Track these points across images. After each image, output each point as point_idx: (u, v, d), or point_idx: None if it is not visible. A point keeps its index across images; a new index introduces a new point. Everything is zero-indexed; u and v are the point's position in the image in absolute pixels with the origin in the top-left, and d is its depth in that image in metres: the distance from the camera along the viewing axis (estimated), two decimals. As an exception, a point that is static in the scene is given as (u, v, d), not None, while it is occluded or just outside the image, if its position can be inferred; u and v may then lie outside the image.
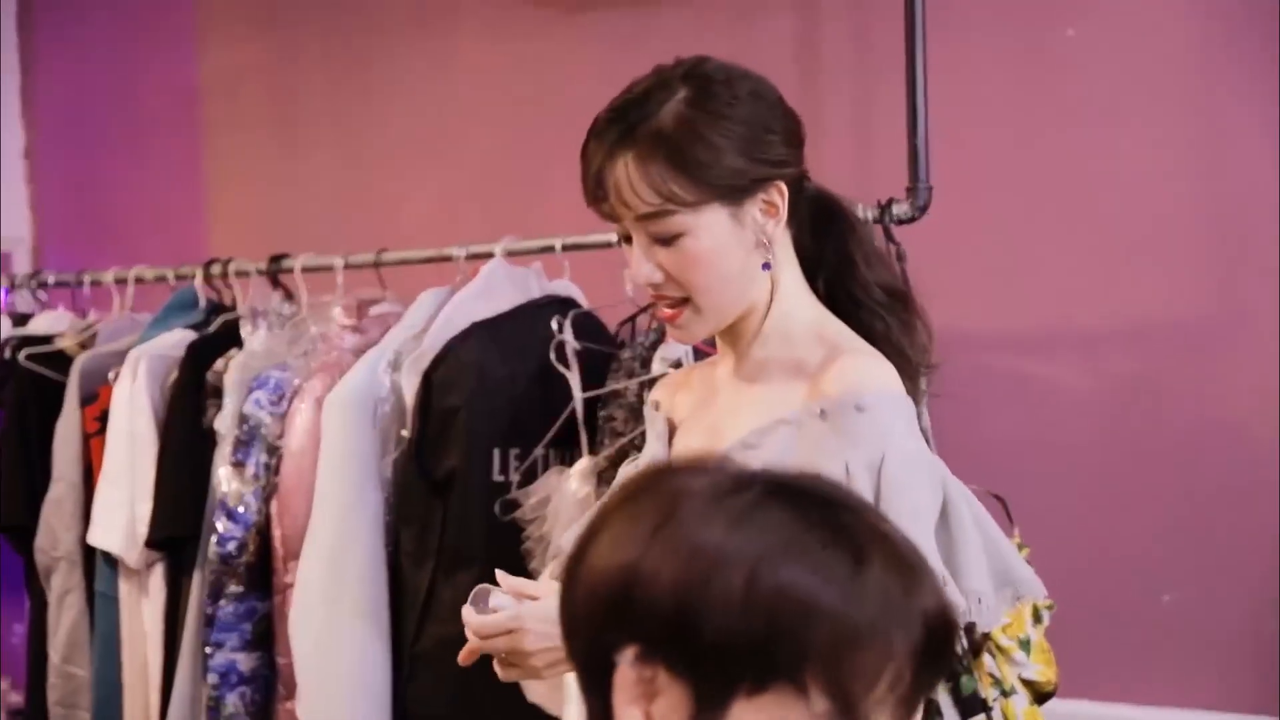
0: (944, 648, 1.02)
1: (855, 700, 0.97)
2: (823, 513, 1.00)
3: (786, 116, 1.55)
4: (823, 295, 1.60)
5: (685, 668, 0.97)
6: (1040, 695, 2.29)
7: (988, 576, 1.47)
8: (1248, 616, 2.39)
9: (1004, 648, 2.20)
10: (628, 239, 1.56)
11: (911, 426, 1.50)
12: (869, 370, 1.50)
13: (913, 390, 1.56)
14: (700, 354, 2.16)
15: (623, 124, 1.50)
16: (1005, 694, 2.21)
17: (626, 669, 0.99)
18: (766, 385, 1.56)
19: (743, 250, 1.52)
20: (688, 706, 0.97)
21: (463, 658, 1.59)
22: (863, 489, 1.43)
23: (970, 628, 1.57)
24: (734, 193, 1.50)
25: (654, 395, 1.74)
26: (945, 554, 1.45)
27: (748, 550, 0.97)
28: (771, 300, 1.56)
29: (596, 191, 1.52)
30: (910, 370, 1.56)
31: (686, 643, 0.97)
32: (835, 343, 1.54)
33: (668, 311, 1.55)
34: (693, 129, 1.48)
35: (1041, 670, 2.28)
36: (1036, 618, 2.22)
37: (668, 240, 1.51)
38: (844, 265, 1.60)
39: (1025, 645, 2.24)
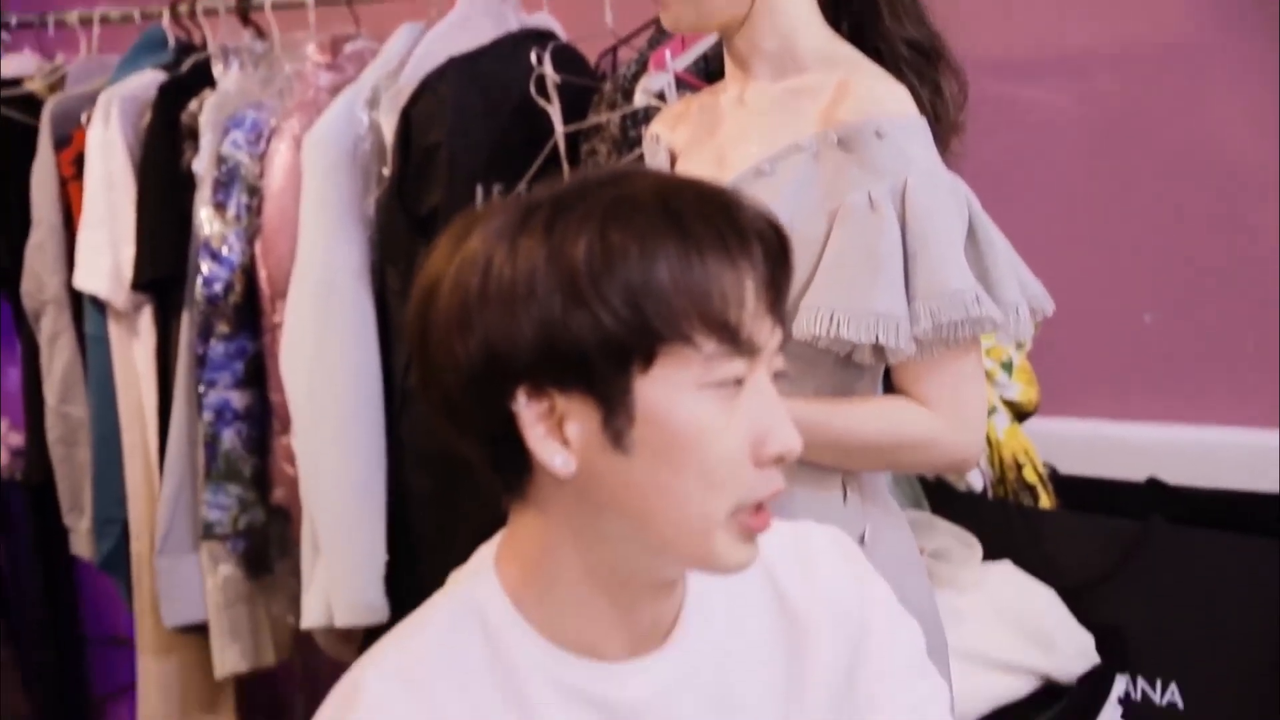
0: (782, 248, 1.05)
1: (736, 325, 1.01)
2: (612, 188, 1.03)
3: None
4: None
5: (574, 381, 1.00)
6: (1021, 414, 2.35)
7: (1018, 289, 1.49)
8: (1229, 337, 2.43)
9: (987, 370, 2.24)
10: None
11: (930, 148, 1.49)
12: (885, 94, 1.49)
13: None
14: (684, 84, 2.12)
15: None
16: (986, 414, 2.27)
17: (524, 411, 1.01)
18: (775, 112, 1.54)
19: None
20: (596, 411, 1.01)
21: None
22: (888, 216, 1.44)
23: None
24: None
25: (653, 128, 1.73)
26: (977, 271, 1.46)
27: (574, 252, 0.99)
28: (771, 14, 1.53)
29: None
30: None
31: (565, 360, 0.99)
32: (847, 66, 1.52)
33: None
34: None
35: (1023, 390, 2.33)
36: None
37: None
38: (867, 12, 1.57)
39: (1007, 367, 2.28)
